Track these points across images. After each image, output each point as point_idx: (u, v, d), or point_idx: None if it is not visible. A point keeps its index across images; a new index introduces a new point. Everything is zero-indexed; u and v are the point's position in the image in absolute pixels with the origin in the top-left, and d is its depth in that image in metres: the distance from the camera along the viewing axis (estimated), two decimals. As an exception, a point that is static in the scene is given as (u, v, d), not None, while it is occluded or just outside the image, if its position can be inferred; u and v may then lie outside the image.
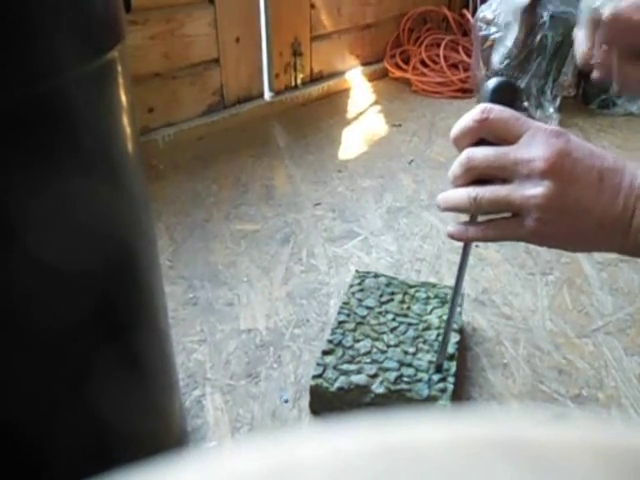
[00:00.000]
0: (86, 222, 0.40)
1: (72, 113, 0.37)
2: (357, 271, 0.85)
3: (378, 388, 0.65)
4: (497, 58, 1.42)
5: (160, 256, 0.56)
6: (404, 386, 0.65)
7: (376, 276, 0.82)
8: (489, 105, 0.45)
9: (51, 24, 0.34)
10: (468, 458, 0.09)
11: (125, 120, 0.43)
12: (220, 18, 1.33)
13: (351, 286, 0.81)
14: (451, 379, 0.66)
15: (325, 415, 0.68)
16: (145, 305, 0.51)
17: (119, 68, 0.41)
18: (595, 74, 0.51)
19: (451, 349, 0.69)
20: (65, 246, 0.39)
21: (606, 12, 0.46)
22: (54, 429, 0.43)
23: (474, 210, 0.47)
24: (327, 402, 0.67)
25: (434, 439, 0.09)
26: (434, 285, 0.82)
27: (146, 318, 0.51)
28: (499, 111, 0.44)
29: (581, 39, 0.50)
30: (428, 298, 0.78)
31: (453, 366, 0.68)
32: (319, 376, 0.67)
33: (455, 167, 0.47)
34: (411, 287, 0.80)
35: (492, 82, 0.49)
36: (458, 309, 0.77)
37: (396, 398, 0.64)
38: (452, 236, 0.50)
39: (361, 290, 0.80)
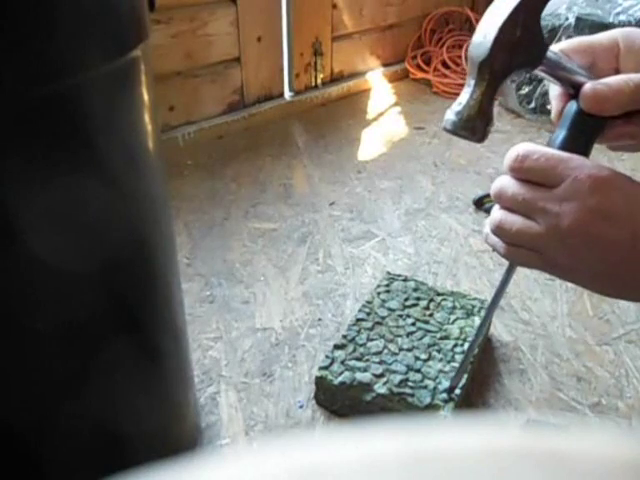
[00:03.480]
0: (106, 219, 0.41)
1: (95, 110, 0.38)
2: (388, 272, 0.85)
3: (380, 388, 0.65)
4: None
5: (178, 253, 0.57)
6: (407, 390, 0.65)
7: (405, 280, 0.82)
8: (524, 149, 0.40)
9: (76, 22, 0.34)
10: (501, 468, 0.09)
11: (147, 118, 0.43)
12: (242, 17, 1.33)
13: (378, 286, 0.81)
14: (457, 391, 0.65)
15: (331, 409, 0.68)
16: (162, 302, 0.51)
17: (142, 66, 0.41)
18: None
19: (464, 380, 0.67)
20: (84, 243, 0.40)
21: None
22: (69, 425, 0.44)
23: (500, 237, 0.45)
24: (330, 395, 0.68)
25: (466, 448, 0.09)
26: (464, 296, 0.80)
27: (163, 315, 0.52)
28: (536, 157, 0.40)
29: (555, 96, 0.46)
30: (454, 308, 0.77)
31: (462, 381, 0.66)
32: (325, 368, 0.68)
33: (491, 190, 0.45)
34: (439, 295, 0.80)
35: (575, 105, 0.42)
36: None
37: (397, 401, 0.64)
38: (486, 240, 0.48)
39: (387, 292, 0.80)
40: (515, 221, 0.41)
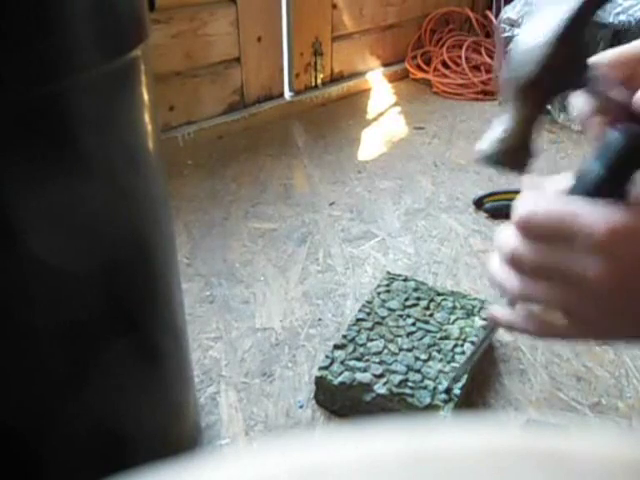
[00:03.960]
0: (106, 219, 0.41)
1: (95, 110, 0.38)
2: (388, 272, 0.84)
3: (380, 388, 0.65)
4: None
5: (178, 253, 0.57)
6: (407, 390, 0.65)
7: (406, 280, 0.82)
8: (525, 210, 0.35)
9: (76, 22, 0.34)
10: (501, 468, 0.09)
11: (147, 118, 0.43)
12: (242, 17, 1.33)
13: (378, 286, 0.81)
14: (457, 391, 0.65)
15: (331, 409, 0.68)
16: (162, 302, 0.51)
17: (142, 66, 0.41)
18: None
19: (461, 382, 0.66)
20: (84, 243, 0.40)
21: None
22: (69, 425, 0.44)
23: (515, 319, 0.40)
24: (330, 394, 0.68)
25: (466, 448, 0.09)
26: (464, 296, 0.80)
27: (163, 315, 0.52)
28: (540, 217, 0.35)
29: (586, 114, 0.39)
30: (454, 308, 0.77)
31: (458, 388, 0.66)
32: (325, 368, 0.68)
33: (499, 251, 0.39)
34: (439, 295, 0.80)
35: (621, 137, 0.34)
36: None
37: (397, 401, 0.64)
38: (493, 318, 0.43)
39: (387, 291, 0.80)
40: (539, 289, 0.36)
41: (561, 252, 0.35)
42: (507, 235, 0.38)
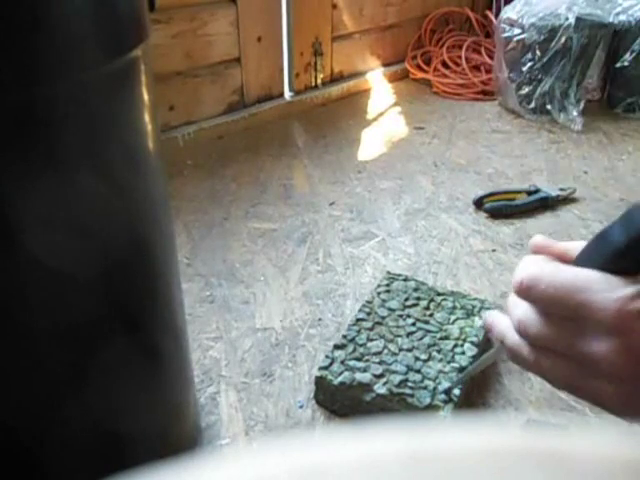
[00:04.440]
0: (105, 219, 0.41)
1: (95, 110, 0.38)
2: (388, 272, 0.84)
3: (380, 388, 0.65)
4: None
5: (178, 253, 0.57)
6: (407, 390, 0.65)
7: (406, 279, 0.82)
8: (528, 276, 0.33)
9: (76, 22, 0.34)
10: (501, 469, 0.09)
11: (147, 118, 0.43)
12: (242, 17, 1.33)
13: (378, 286, 0.81)
14: (457, 392, 0.65)
15: (330, 409, 0.68)
16: (162, 302, 0.51)
17: (142, 66, 0.41)
18: None
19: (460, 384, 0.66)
20: (84, 243, 0.40)
21: None
22: (69, 425, 0.44)
23: (532, 370, 0.38)
24: (330, 395, 0.68)
25: (466, 449, 0.09)
26: (464, 296, 0.80)
27: (163, 315, 0.52)
28: (543, 288, 0.33)
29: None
30: (454, 308, 0.77)
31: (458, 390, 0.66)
32: (325, 368, 0.68)
33: (510, 317, 0.37)
34: (439, 295, 0.80)
35: None
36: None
37: (397, 401, 0.64)
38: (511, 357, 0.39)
39: (387, 291, 0.80)
40: (545, 361, 0.34)
41: (567, 328, 0.32)
42: (514, 301, 0.36)
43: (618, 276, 0.31)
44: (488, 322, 0.40)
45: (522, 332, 0.35)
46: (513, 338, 0.37)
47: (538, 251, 0.36)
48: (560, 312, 0.33)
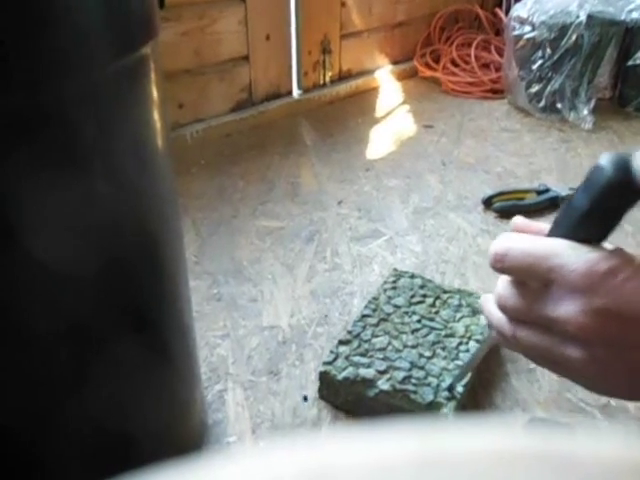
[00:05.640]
0: (114, 217, 0.41)
1: (104, 108, 0.38)
2: (395, 269, 0.84)
3: (384, 384, 0.65)
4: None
5: (186, 251, 0.57)
6: (410, 387, 0.65)
7: (412, 277, 0.82)
8: (501, 246, 0.35)
9: (85, 20, 0.34)
10: (514, 472, 0.08)
11: (156, 116, 0.43)
12: (250, 15, 1.33)
13: (385, 283, 0.81)
14: (460, 389, 0.65)
15: (334, 404, 0.68)
16: (170, 299, 0.51)
17: (152, 64, 0.41)
18: None
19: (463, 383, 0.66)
20: (92, 241, 0.40)
21: None
22: (74, 424, 0.44)
23: (514, 347, 0.39)
24: (334, 390, 0.68)
25: (478, 452, 0.09)
26: (470, 293, 0.80)
27: (170, 312, 0.52)
28: (515, 254, 0.34)
29: None
30: (460, 306, 0.77)
31: (461, 386, 0.66)
32: (329, 363, 0.68)
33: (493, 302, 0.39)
34: (445, 292, 0.79)
35: (604, 175, 0.31)
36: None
37: (400, 398, 0.64)
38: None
39: (394, 288, 0.80)
40: (533, 336, 0.35)
41: (540, 297, 0.33)
42: (501, 280, 0.37)
43: (587, 245, 0.32)
44: (481, 306, 0.42)
45: (501, 306, 0.37)
46: (497, 315, 0.38)
47: (518, 231, 0.38)
48: (533, 279, 0.34)
